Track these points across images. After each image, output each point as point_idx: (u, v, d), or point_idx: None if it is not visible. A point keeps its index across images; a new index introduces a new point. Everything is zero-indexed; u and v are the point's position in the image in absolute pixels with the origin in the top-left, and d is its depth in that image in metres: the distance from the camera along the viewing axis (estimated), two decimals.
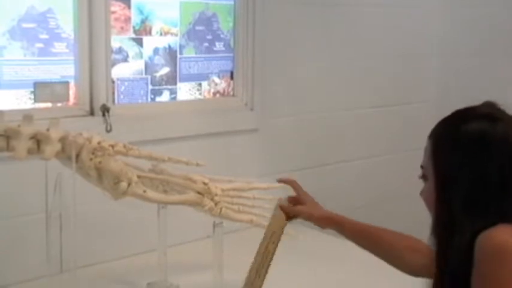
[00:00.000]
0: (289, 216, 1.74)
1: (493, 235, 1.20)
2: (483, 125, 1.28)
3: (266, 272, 1.71)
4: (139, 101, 2.49)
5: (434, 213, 1.33)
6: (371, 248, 1.67)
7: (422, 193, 1.38)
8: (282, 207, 1.73)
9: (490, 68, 3.23)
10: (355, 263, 2.16)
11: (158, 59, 2.53)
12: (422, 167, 1.37)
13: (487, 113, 1.30)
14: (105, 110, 2.30)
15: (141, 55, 2.47)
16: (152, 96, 2.52)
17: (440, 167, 1.31)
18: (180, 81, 2.60)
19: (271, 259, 1.72)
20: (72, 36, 2.26)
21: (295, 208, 1.73)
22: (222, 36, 2.70)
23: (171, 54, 2.56)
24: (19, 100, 2.19)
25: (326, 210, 1.76)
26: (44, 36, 2.21)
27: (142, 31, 2.46)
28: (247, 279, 1.72)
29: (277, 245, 1.72)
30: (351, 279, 2.21)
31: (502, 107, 1.32)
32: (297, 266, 2.27)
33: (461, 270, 1.23)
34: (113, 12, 2.35)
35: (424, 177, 1.37)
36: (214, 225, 2.05)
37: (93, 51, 2.28)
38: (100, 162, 1.85)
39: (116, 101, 2.41)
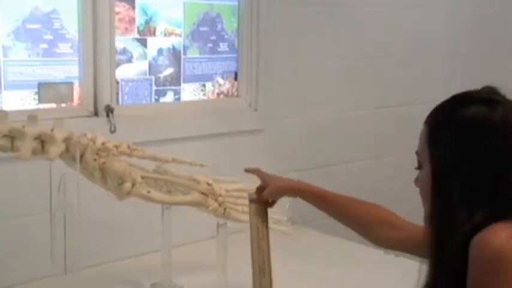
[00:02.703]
0: (266, 204, 1.75)
1: (490, 239, 1.14)
2: (481, 109, 1.21)
3: (269, 268, 1.70)
4: (144, 101, 2.49)
5: (431, 203, 1.26)
6: (340, 218, 1.66)
7: (417, 181, 1.32)
8: (252, 201, 1.75)
9: (496, 68, 3.23)
10: (355, 263, 2.16)
11: (162, 60, 2.53)
12: (417, 153, 1.31)
13: (486, 97, 1.24)
14: (109, 110, 2.30)
15: (145, 56, 2.48)
16: (156, 97, 2.53)
17: (437, 155, 1.25)
18: (184, 82, 2.60)
19: (269, 254, 1.71)
20: (76, 37, 2.27)
21: (263, 194, 1.74)
22: (226, 36, 2.70)
23: (175, 54, 2.56)
24: (23, 101, 2.20)
25: (291, 180, 1.77)
26: (48, 36, 2.21)
27: (146, 32, 2.46)
28: (254, 281, 1.70)
29: (268, 239, 1.72)
30: (351, 279, 2.21)
31: (502, 92, 1.26)
32: (298, 266, 2.27)
33: (458, 264, 1.18)
34: (117, 13, 2.36)
35: (419, 164, 1.31)
36: (218, 226, 2.05)
37: (98, 52, 2.28)
38: (104, 163, 1.85)
39: (120, 101, 2.41)
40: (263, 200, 1.75)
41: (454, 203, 1.21)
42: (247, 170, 1.90)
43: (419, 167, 1.30)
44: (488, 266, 1.13)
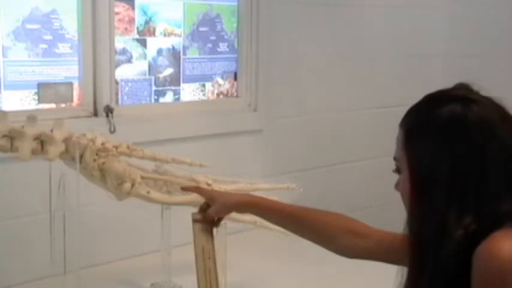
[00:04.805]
0: (212, 223, 1.65)
1: (495, 251, 1.09)
2: (457, 108, 1.17)
3: (217, 287, 1.61)
4: (143, 101, 2.49)
5: (412, 208, 1.21)
6: (299, 231, 1.57)
7: (397, 186, 1.27)
8: (196, 220, 1.64)
9: (496, 68, 3.23)
10: (354, 263, 2.14)
11: (162, 60, 2.53)
12: (395, 158, 1.26)
13: (460, 95, 1.20)
14: (108, 110, 2.30)
15: (144, 56, 2.48)
16: (156, 97, 2.53)
17: (415, 158, 1.20)
18: (184, 82, 2.60)
19: (216, 274, 1.62)
20: (76, 37, 2.27)
21: (208, 213, 1.63)
22: (225, 37, 2.70)
23: (175, 55, 2.56)
24: (23, 101, 2.20)
25: (240, 195, 1.69)
26: (48, 37, 2.21)
27: (146, 32, 2.46)
28: None
29: (214, 259, 1.63)
30: (350, 279, 2.20)
31: (475, 89, 1.22)
32: (296, 266, 2.27)
33: (451, 270, 1.14)
34: (117, 13, 2.36)
35: (398, 169, 1.25)
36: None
37: (97, 52, 2.28)
38: (104, 163, 1.85)
39: (120, 101, 2.41)
40: (208, 219, 1.64)
41: (440, 208, 1.16)
42: (184, 189, 1.83)
43: (399, 172, 1.26)
44: (496, 278, 1.09)
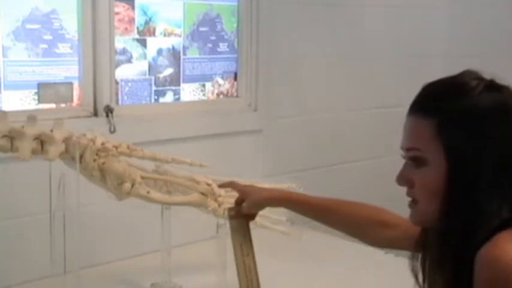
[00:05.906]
0: (246, 217, 1.65)
1: (498, 253, 1.08)
2: (496, 95, 1.17)
3: (258, 285, 1.60)
4: (143, 102, 2.49)
5: (446, 200, 1.16)
6: (331, 224, 1.58)
7: (401, 180, 1.24)
8: (232, 217, 1.64)
9: (496, 69, 3.23)
10: (354, 262, 2.15)
11: (162, 60, 2.53)
12: (413, 149, 1.22)
13: (488, 82, 1.20)
14: (108, 110, 2.30)
15: (144, 56, 2.48)
16: (156, 97, 2.53)
17: (459, 147, 1.15)
18: (184, 82, 2.60)
19: (256, 271, 1.60)
20: (76, 37, 2.27)
21: (242, 208, 1.63)
22: (225, 37, 2.70)
23: (175, 55, 2.56)
24: (23, 101, 2.20)
25: (273, 190, 1.70)
26: (48, 37, 2.21)
27: (146, 32, 2.46)
28: None
29: (253, 255, 1.61)
30: (350, 278, 2.21)
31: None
32: (297, 266, 2.27)
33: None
34: (117, 13, 2.36)
35: (418, 161, 1.21)
36: (218, 226, 2.05)
37: (97, 52, 2.28)
38: (104, 163, 1.85)
39: (120, 101, 2.41)
40: (243, 215, 1.64)
41: (483, 197, 1.13)
42: (221, 186, 1.86)
43: (419, 165, 1.20)
44: (499, 280, 1.08)
